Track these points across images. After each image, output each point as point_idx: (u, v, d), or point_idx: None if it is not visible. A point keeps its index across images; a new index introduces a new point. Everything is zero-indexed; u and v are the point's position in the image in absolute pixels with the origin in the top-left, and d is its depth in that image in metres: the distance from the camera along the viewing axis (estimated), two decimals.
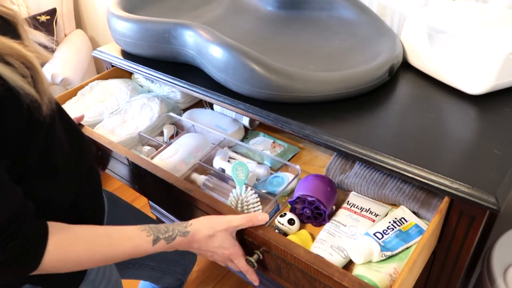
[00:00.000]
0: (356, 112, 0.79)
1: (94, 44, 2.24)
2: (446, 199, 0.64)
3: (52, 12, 1.97)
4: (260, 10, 1.17)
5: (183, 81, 0.95)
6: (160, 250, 0.61)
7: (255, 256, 0.66)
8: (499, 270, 0.89)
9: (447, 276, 0.72)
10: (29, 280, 0.59)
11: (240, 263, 0.67)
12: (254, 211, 0.75)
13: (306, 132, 0.76)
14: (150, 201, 1.61)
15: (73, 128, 0.67)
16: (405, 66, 0.95)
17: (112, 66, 1.18)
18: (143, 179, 0.85)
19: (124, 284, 0.82)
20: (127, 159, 0.84)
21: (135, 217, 0.95)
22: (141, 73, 1.04)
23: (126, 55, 1.10)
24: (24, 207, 0.52)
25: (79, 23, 2.25)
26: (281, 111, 0.80)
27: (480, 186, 0.59)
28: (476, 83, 0.79)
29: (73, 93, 1.14)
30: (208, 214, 0.73)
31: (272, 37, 1.04)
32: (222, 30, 0.91)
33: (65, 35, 2.06)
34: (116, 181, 2.07)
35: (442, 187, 0.61)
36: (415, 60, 0.93)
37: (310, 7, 1.11)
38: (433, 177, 0.62)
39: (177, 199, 0.79)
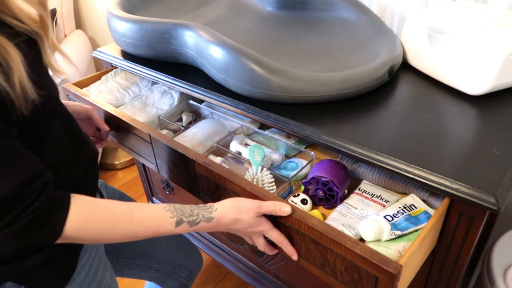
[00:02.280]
0: (356, 113, 0.79)
1: (94, 45, 2.24)
2: (446, 200, 0.64)
3: (52, 13, 1.97)
4: (260, 11, 1.17)
5: (183, 81, 0.95)
6: (182, 232, 0.61)
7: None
8: (499, 270, 0.89)
9: (447, 276, 0.72)
10: (12, 278, 0.57)
11: (273, 235, 0.66)
12: (268, 190, 0.76)
13: (306, 132, 0.76)
14: (154, 198, 1.61)
15: (74, 133, 0.66)
16: (405, 66, 0.95)
17: (112, 66, 1.18)
18: (163, 155, 0.87)
19: (129, 283, 0.81)
20: (149, 135, 0.87)
21: None
22: (141, 73, 1.04)
23: (126, 55, 1.10)
24: (43, 173, 0.51)
25: (79, 24, 2.25)
26: (281, 111, 0.80)
27: (480, 186, 0.59)
28: (476, 84, 0.79)
29: (98, 77, 1.18)
30: (225, 187, 0.74)
31: (272, 38, 1.04)
32: (222, 30, 0.91)
33: (65, 36, 2.06)
34: (119, 180, 2.08)
35: (442, 188, 0.61)
36: (415, 61, 0.93)
37: (310, 7, 1.11)
38: (433, 178, 0.62)
39: (195, 174, 0.81)
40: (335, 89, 0.80)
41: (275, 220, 0.67)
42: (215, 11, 1.17)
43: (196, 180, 0.82)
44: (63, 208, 0.52)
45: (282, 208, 0.64)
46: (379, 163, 0.67)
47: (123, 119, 0.92)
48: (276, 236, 0.67)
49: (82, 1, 2.15)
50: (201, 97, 0.92)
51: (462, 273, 0.70)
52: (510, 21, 0.80)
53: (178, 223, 0.59)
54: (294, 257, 0.68)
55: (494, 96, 0.80)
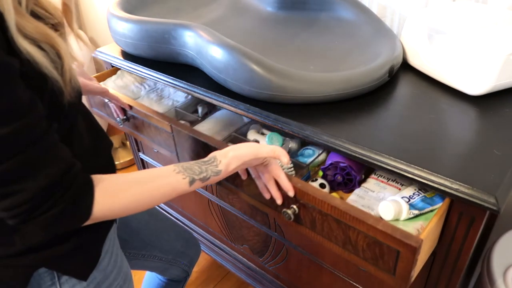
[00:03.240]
0: (356, 113, 0.79)
1: (94, 45, 2.24)
2: (446, 200, 0.64)
3: None
4: (260, 11, 1.17)
5: (183, 81, 0.95)
6: (196, 188, 0.65)
7: (292, 210, 0.70)
8: (499, 270, 0.89)
9: (447, 276, 0.72)
10: (45, 264, 0.60)
11: (283, 157, 0.69)
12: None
13: (306, 132, 0.76)
14: None
15: (94, 123, 0.69)
16: (405, 66, 0.95)
17: (112, 66, 1.19)
18: (184, 144, 0.90)
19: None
20: (171, 125, 0.90)
21: (146, 211, 0.97)
22: (141, 73, 1.04)
23: (126, 55, 1.10)
24: (75, 163, 0.54)
25: (79, 24, 2.25)
26: (281, 111, 0.80)
27: (480, 186, 0.59)
28: (476, 84, 0.79)
29: (114, 72, 1.20)
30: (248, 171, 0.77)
31: (272, 38, 1.04)
32: (222, 30, 0.92)
33: None
34: None
35: (442, 188, 0.61)
36: (415, 61, 0.93)
37: (310, 7, 1.12)
38: (433, 178, 0.62)
39: None
40: (335, 89, 0.80)
41: (297, 201, 0.70)
42: (215, 12, 1.17)
43: None
44: (89, 193, 0.55)
45: (281, 157, 0.68)
46: (379, 163, 0.67)
47: (143, 110, 0.96)
48: (281, 163, 0.71)
49: (82, 1, 2.15)
50: (201, 97, 0.92)
51: (462, 273, 0.70)
52: (510, 21, 0.80)
53: (191, 182, 0.63)
54: (291, 192, 0.70)
55: (494, 96, 0.80)
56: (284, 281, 1.18)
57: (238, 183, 0.81)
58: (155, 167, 1.40)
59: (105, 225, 0.68)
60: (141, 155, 1.43)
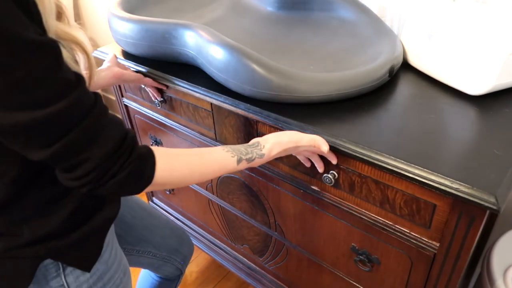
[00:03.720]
0: (356, 113, 0.79)
1: (94, 45, 2.24)
2: (446, 200, 0.64)
3: None
4: (260, 11, 1.17)
5: (184, 81, 0.95)
6: (242, 168, 0.70)
7: (332, 175, 0.77)
8: (499, 270, 0.89)
9: (447, 276, 0.72)
10: (50, 255, 0.62)
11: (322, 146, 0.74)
12: None
13: (306, 132, 0.76)
14: (154, 198, 1.61)
15: None
16: (406, 66, 0.95)
17: None
18: (224, 121, 0.96)
19: None
20: (211, 104, 0.95)
21: (140, 207, 0.98)
22: (141, 73, 1.04)
23: (127, 55, 1.10)
24: (129, 130, 0.58)
25: (79, 24, 2.25)
26: (281, 111, 0.80)
27: (480, 186, 0.59)
28: (476, 84, 0.79)
29: None
30: None
31: (272, 38, 1.04)
32: (222, 30, 0.92)
33: None
34: None
35: (442, 187, 0.61)
36: (415, 61, 0.93)
37: (311, 7, 1.12)
38: (433, 177, 0.62)
39: (256, 135, 0.89)
40: (335, 89, 0.80)
41: (337, 166, 0.77)
42: (215, 11, 1.17)
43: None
44: (151, 159, 0.59)
45: (321, 147, 0.73)
46: (379, 163, 0.67)
47: (181, 90, 0.97)
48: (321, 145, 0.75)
49: (82, 1, 2.15)
50: (202, 97, 0.92)
51: (462, 273, 0.71)
52: (510, 21, 0.81)
53: (239, 160, 0.68)
54: (334, 161, 0.77)
55: (494, 96, 0.80)
56: (284, 281, 1.18)
57: None
58: None
59: (109, 217, 0.69)
60: None
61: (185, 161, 0.64)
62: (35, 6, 0.46)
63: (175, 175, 0.62)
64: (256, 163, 0.71)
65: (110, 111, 0.55)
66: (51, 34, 0.49)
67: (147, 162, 0.58)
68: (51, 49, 0.47)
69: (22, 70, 0.44)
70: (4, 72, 0.43)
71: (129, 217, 0.94)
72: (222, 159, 0.67)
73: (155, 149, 0.60)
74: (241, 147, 0.70)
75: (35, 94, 0.45)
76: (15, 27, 0.43)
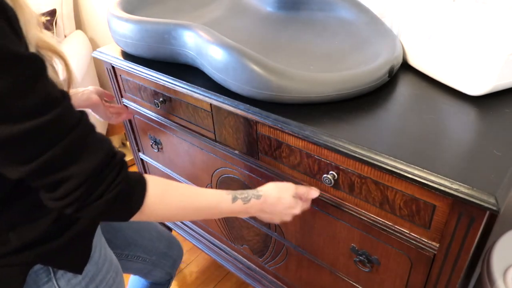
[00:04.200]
0: (356, 113, 0.79)
1: (94, 45, 2.24)
2: (446, 200, 0.64)
3: (52, 13, 1.97)
4: (260, 11, 1.17)
5: (183, 82, 0.95)
6: (237, 210, 0.69)
7: (331, 175, 0.78)
8: (499, 271, 0.89)
9: (447, 277, 0.72)
10: (40, 260, 0.61)
11: (305, 206, 0.80)
12: None
13: (306, 133, 0.76)
14: None
15: None
16: (405, 67, 0.95)
17: (112, 67, 1.19)
18: (223, 122, 0.96)
19: None
20: (210, 104, 0.95)
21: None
22: (141, 74, 1.04)
23: (126, 56, 1.10)
24: (117, 150, 0.57)
25: (79, 24, 2.25)
26: (281, 112, 0.80)
27: (480, 187, 0.59)
28: (476, 84, 0.79)
29: None
30: (287, 144, 0.84)
31: (272, 38, 1.04)
32: (222, 31, 0.92)
33: (65, 36, 2.06)
34: None
35: (442, 188, 0.61)
36: (415, 61, 0.93)
37: (310, 7, 1.12)
38: (432, 178, 0.62)
39: (257, 136, 0.89)
40: (335, 90, 0.80)
41: (337, 167, 0.77)
42: (215, 12, 1.17)
43: (257, 141, 0.90)
44: (142, 183, 0.58)
45: (312, 193, 0.79)
46: (379, 163, 0.67)
47: (181, 91, 0.97)
48: (307, 205, 0.81)
49: (82, 1, 2.15)
50: (201, 97, 0.92)
51: (462, 274, 0.70)
52: (510, 21, 0.80)
53: (234, 199, 0.68)
54: (316, 193, 0.81)
55: (494, 97, 0.80)
56: (284, 281, 1.18)
57: (277, 155, 0.87)
58: (155, 167, 1.40)
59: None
60: (141, 155, 1.43)
61: (179, 192, 0.63)
62: (17, 20, 0.46)
63: (167, 203, 0.61)
64: (252, 204, 0.71)
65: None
66: (32, 45, 0.49)
67: (137, 185, 0.57)
68: (37, 64, 0.46)
69: (7, 82, 0.43)
70: None
71: None
72: (216, 195, 0.68)
73: (148, 176, 0.59)
74: (238, 190, 0.71)
75: (17, 107, 0.44)
76: (5, 42, 0.43)
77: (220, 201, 0.68)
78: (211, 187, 1.19)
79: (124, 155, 0.57)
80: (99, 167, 0.52)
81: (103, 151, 0.53)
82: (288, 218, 0.78)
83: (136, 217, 0.58)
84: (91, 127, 0.53)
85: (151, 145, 1.31)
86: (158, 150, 1.30)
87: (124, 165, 0.56)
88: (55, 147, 0.48)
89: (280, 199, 0.74)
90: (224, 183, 1.12)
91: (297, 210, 0.77)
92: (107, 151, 0.53)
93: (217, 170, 1.11)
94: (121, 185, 0.54)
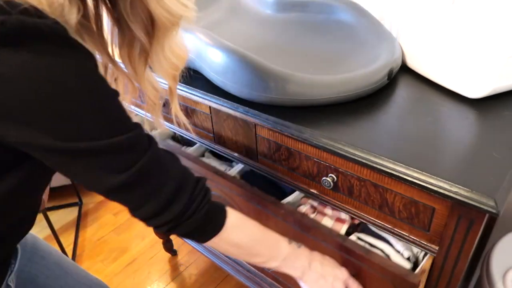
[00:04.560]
0: (355, 116, 0.79)
1: None
2: (445, 203, 0.64)
3: None
4: (259, 14, 1.17)
5: (182, 84, 0.95)
6: (291, 251, 0.73)
7: (331, 178, 0.78)
8: (498, 273, 0.89)
9: (446, 279, 0.72)
10: None
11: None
12: None
13: (305, 135, 0.76)
14: None
15: None
16: (404, 69, 0.95)
17: None
18: (223, 123, 0.96)
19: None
20: (209, 107, 0.96)
21: (58, 266, 0.87)
22: None
23: None
24: (202, 177, 0.62)
25: None
26: (280, 114, 0.80)
27: (479, 189, 0.59)
28: (475, 87, 0.79)
29: None
30: (287, 147, 0.84)
31: (271, 41, 1.04)
32: (221, 33, 0.92)
33: None
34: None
35: (441, 191, 0.61)
36: (414, 64, 0.93)
37: (309, 10, 1.12)
38: (432, 181, 0.62)
39: (256, 138, 0.90)
40: (334, 92, 0.80)
41: (336, 170, 0.76)
42: (214, 14, 1.17)
43: (256, 144, 0.90)
44: (223, 209, 0.63)
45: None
46: (378, 166, 0.67)
47: (181, 93, 0.98)
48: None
49: None
50: (200, 100, 0.92)
51: (461, 276, 0.70)
52: (509, 23, 0.81)
53: (289, 241, 0.73)
54: None
55: (493, 99, 0.80)
56: (284, 284, 1.17)
57: (276, 157, 0.87)
58: None
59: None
60: None
61: (252, 222, 0.68)
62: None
63: (243, 230, 0.66)
64: (302, 251, 0.75)
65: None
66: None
67: (219, 208, 0.62)
68: (112, 92, 0.51)
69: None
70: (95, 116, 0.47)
71: (42, 277, 0.82)
72: (277, 235, 0.72)
73: (228, 209, 0.65)
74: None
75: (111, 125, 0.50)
76: (107, 84, 0.49)
77: (281, 239, 0.72)
78: None
79: (206, 179, 0.62)
80: (184, 181, 0.57)
81: (190, 175, 0.59)
82: (339, 285, 0.77)
83: (213, 241, 0.62)
84: (161, 152, 0.57)
85: None
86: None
87: (208, 188, 0.61)
88: (143, 158, 0.52)
89: (327, 267, 0.78)
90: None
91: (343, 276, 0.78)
92: (191, 175, 0.59)
93: None
94: (208, 206, 0.59)
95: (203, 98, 0.91)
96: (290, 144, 0.82)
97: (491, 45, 0.75)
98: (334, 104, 0.82)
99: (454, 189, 0.60)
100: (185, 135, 1.13)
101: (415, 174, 0.64)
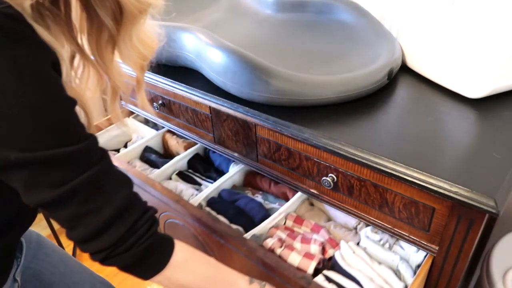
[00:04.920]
0: (355, 116, 0.79)
1: None
2: (445, 203, 0.64)
3: None
4: (259, 14, 1.17)
5: (182, 84, 0.95)
6: None
7: (331, 178, 0.77)
8: (498, 273, 0.89)
9: (446, 279, 0.72)
10: None
11: None
12: None
13: (305, 135, 0.75)
14: None
15: None
16: (404, 69, 0.95)
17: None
18: (223, 123, 0.96)
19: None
20: (209, 107, 0.96)
21: (63, 263, 0.88)
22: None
23: None
24: (151, 207, 0.57)
25: None
26: (280, 114, 0.80)
27: (479, 189, 0.59)
28: (475, 87, 0.79)
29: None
30: (287, 147, 0.83)
31: (271, 41, 1.04)
32: (221, 33, 0.92)
33: None
34: None
35: (441, 191, 0.61)
36: (414, 64, 0.93)
37: (309, 10, 1.12)
38: (432, 181, 0.62)
39: (256, 138, 0.89)
40: (334, 92, 0.80)
41: (336, 170, 0.75)
42: (214, 14, 1.17)
43: (256, 144, 0.90)
44: (170, 244, 0.57)
45: None
46: (378, 166, 0.67)
47: (181, 94, 0.99)
48: None
49: None
50: (200, 100, 0.92)
51: (461, 276, 0.70)
52: (509, 23, 0.81)
53: (251, 281, 0.66)
54: None
55: (493, 99, 0.80)
56: None
57: (276, 157, 0.87)
58: None
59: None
60: None
61: (204, 260, 0.62)
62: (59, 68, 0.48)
63: (191, 269, 0.59)
64: None
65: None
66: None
67: (165, 244, 0.57)
68: (69, 101, 0.48)
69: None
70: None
71: (48, 275, 0.83)
72: (236, 273, 0.66)
73: (176, 240, 0.59)
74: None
75: (56, 136, 0.46)
76: (60, 89, 0.46)
77: (239, 278, 0.65)
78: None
79: (156, 211, 0.57)
80: (128, 208, 0.52)
81: (141, 205, 0.54)
82: None
83: (156, 279, 0.57)
84: (112, 164, 0.53)
85: None
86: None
87: (155, 221, 0.55)
88: (83, 175, 0.47)
89: None
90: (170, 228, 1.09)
91: None
92: (142, 205, 0.54)
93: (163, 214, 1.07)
94: (151, 240, 0.54)
95: (203, 98, 0.91)
96: (290, 144, 0.82)
97: (491, 45, 0.75)
98: (334, 104, 0.82)
99: (454, 189, 0.60)
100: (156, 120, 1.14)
101: (415, 174, 0.64)
